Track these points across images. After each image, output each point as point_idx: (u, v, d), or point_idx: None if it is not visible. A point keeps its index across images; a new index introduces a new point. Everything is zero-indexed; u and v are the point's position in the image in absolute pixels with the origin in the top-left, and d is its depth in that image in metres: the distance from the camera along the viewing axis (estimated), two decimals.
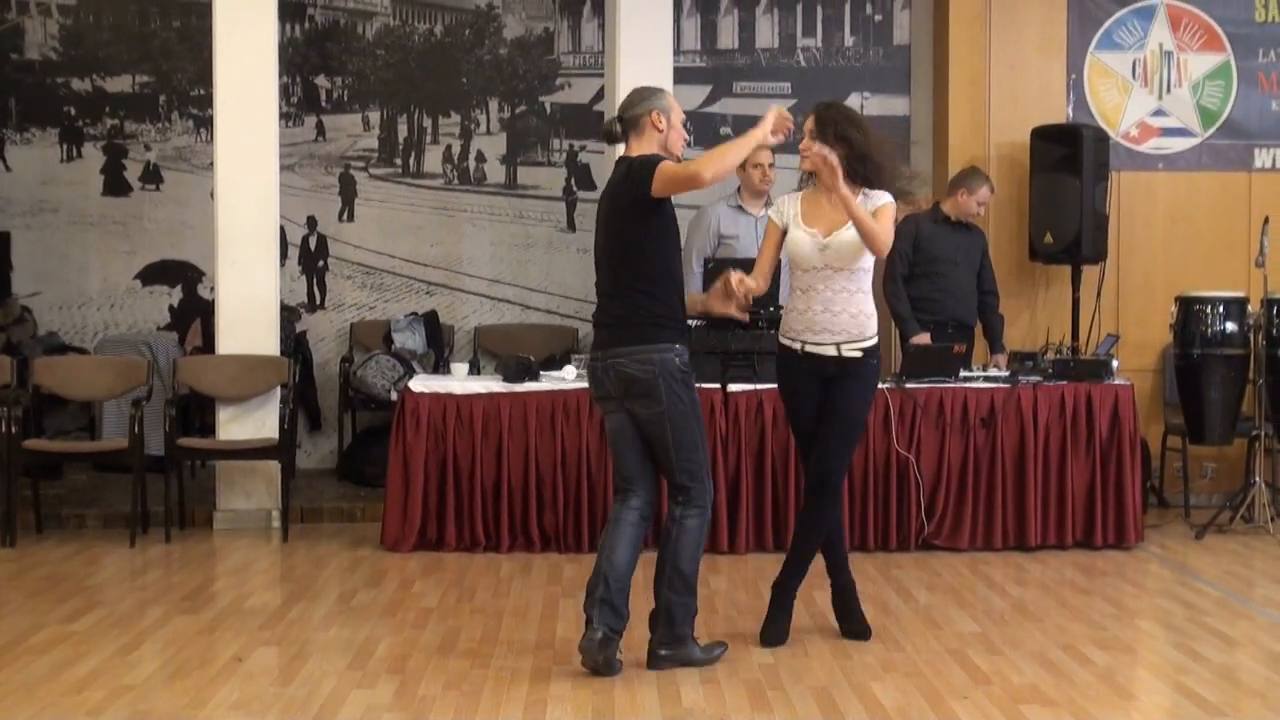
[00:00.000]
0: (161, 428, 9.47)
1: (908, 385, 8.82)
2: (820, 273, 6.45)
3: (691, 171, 6.06)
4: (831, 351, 6.46)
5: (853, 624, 6.75)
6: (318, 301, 11.46)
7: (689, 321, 6.59)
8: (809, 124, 6.49)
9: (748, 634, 6.75)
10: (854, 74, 11.51)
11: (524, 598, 7.54)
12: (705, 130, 11.40)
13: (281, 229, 10.01)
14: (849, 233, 6.37)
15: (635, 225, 6.22)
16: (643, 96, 6.35)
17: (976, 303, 9.74)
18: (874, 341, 6.54)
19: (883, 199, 6.45)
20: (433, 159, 11.56)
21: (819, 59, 11.53)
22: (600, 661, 6.08)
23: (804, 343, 6.49)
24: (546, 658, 6.36)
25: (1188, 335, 9.58)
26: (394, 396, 9.76)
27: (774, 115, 6.23)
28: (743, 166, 9.35)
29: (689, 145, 11.29)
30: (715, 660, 6.29)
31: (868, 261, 6.47)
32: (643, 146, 6.26)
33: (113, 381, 9.67)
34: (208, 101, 10.50)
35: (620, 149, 6.41)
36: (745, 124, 11.19)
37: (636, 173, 6.16)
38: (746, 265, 8.94)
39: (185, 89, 11.51)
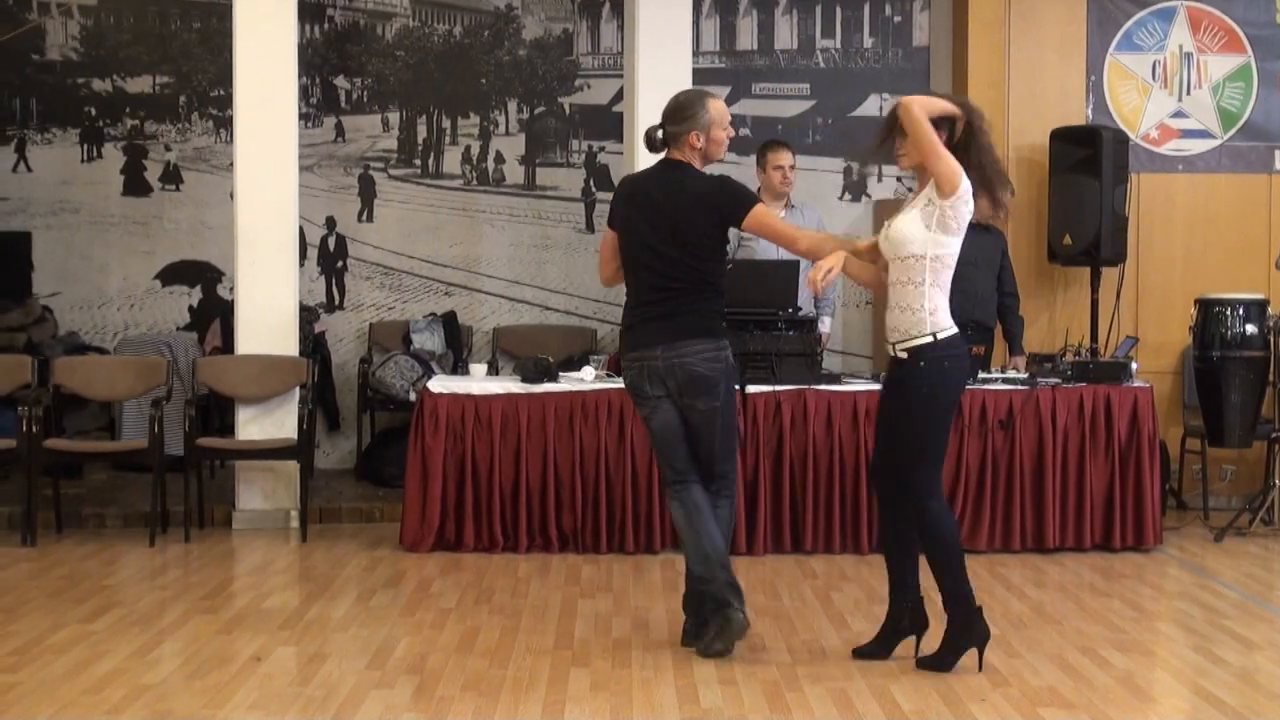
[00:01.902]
0: (181, 428, 9.50)
1: None
2: (890, 266, 6.15)
3: (790, 236, 6.53)
4: (891, 352, 6.19)
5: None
6: (337, 302, 11.48)
7: None
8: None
9: (765, 636, 6.75)
10: (873, 75, 11.52)
11: (542, 598, 7.54)
12: None
13: (301, 230, 10.05)
14: (900, 217, 6.13)
15: (712, 236, 6.45)
16: (685, 115, 6.51)
17: (996, 305, 9.73)
18: (925, 341, 6.05)
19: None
20: (452, 160, 11.58)
21: (838, 60, 11.54)
22: (741, 638, 6.41)
23: (887, 344, 6.26)
24: (565, 658, 6.35)
25: (1207, 337, 9.56)
26: (412, 397, 9.77)
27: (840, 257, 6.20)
28: (764, 168, 9.42)
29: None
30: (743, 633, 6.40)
31: (918, 247, 6.01)
32: (683, 155, 6.52)
33: (133, 381, 9.68)
34: (227, 102, 10.57)
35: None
36: (764, 125, 11.33)
37: (736, 197, 6.45)
38: (766, 266, 9.01)
39: (205, 90, 11.54)
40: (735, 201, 6.43)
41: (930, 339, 6.03)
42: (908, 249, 6.04)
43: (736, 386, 6.66)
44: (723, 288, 6.51)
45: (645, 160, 9.72)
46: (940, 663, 6.16)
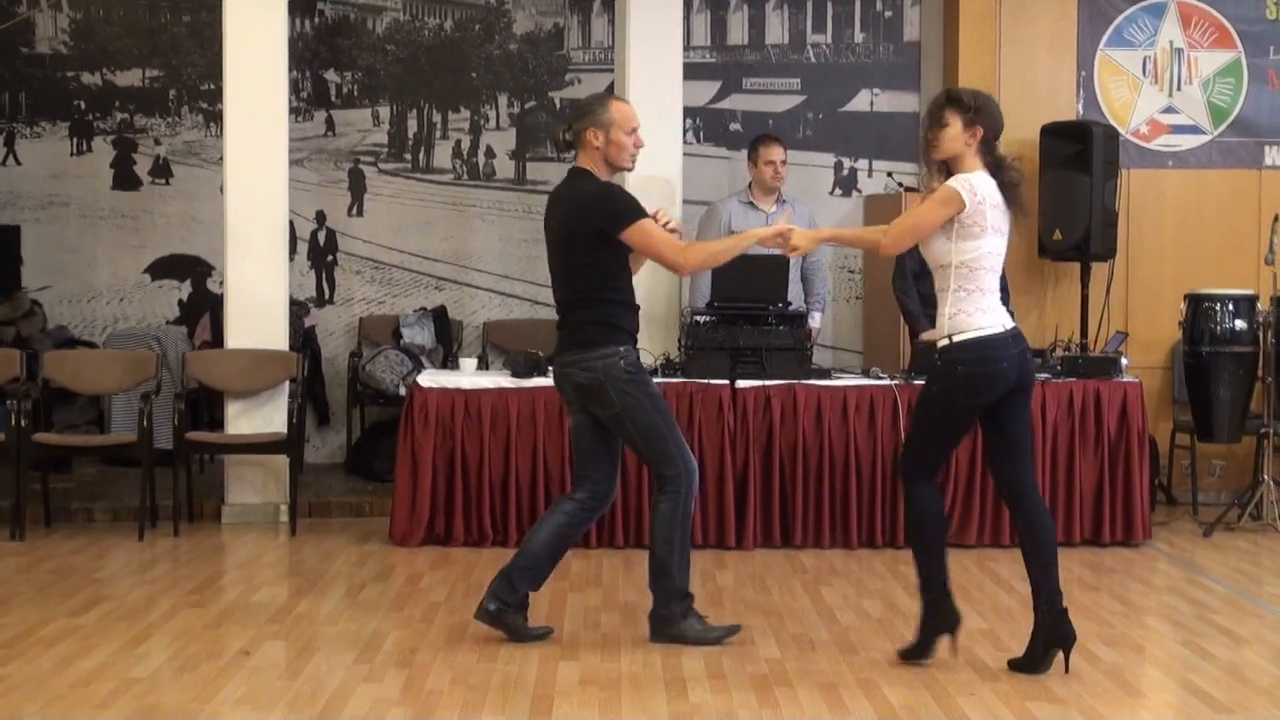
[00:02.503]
0: (170, 422, 9.47)
1: (916, 382, 8.73)
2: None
3: (674, 262, 6.47)
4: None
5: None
6: (327, 296, 11.48)
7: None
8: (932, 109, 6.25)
9: (754, 631, 6.75)
10: (864, 70, 11.53)
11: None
12: (714, 126, 11.45)
13: (291, 224, 10.05)
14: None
15: (587, 250, 6.44)
16: (584, 111, 6.54)
17: None
18: (943, 343, 6.09)
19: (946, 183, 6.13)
20: (442, 154, 11.58)
21: (829, 55, 11.53)
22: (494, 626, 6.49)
23: None
24: (553, 652, 6.35)
25: (1197, 333, 9.58)
26: (402, 391, 9.75)
27: (779, 229, 6.33)
28: (755, 163, 9.43)
29: (698, 140, 11.36)
30: (712, 641, 6.40)
31: (944, 257, 6.05)
32: (587, 159, 6.49)
33: (122, 375, 9.66)
34: (217, 96, 10.55)
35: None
36: (754, 120, 11.33)
37: (611, 210, 6.39)
38: (756, 261, 9.00)
39: (195, 83, 11.54)
40: (612, 214, 6.36)
41: (947, 341, 6.08)
42: (937, 260, 6.11)
43: (649, 389, 6.49)
44: (615, 297, 6.46)
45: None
46: (1036, 663, 6.14)
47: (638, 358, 6.55)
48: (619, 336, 6.46)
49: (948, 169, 6.14)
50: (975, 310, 6.06)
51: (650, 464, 6.56)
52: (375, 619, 6.95)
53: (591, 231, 6.37)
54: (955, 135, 6.07)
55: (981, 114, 6.10)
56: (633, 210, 6.39)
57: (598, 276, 6.45)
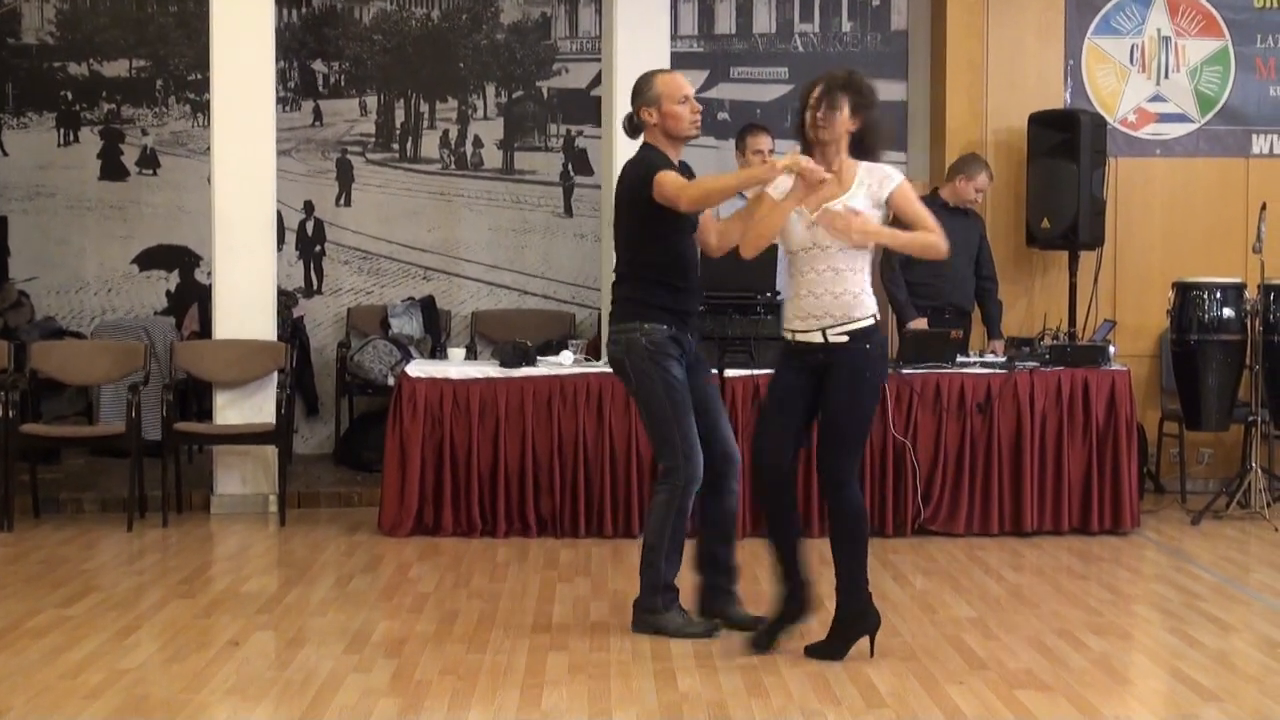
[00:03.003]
0: (159, 412, 9.48)
1: (904, 371, 8.85)
2: (809, 253, 6.05)
3: (672, 196, 6.27)
4: (818, 338, 6.04)
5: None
6: (315, 287, 11.47)
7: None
8: (818, 94, 6.14)
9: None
10: (851, 59, 11.38)
11: (520, 582, 7.55)
12: (702, 115, 11.29)
13: (279, 214, 10.06)
14: (838, 207, 6.02)
15: (629, 220, 6.52)
16: (635, 94, 6.58)
17: (974, 288, 9.78)
18: (866, 324, 6.03)
19: (893, 180, 6.08)
20: (430, 144, 11.56)
21: (816, 44, 11.51)
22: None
23: (794, 332, 6.14)
24: (543, 642, 6.36)
25: (1185, 321, 9.56)
26: (391, 381, 9.77)
27: (788, 163, 6.05)
28: (743, 152, 9.43)
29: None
30: (690, 635, 6.38)
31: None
32: (650, 136, 6.54)
33: (110, 366, 9.68)
34: (205, 86, 10.49)
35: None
36: (742, 109, 11.33)
37: (638, 171, 6.42)
38: None
39: (182, 74, 11.51)
40: (640, 176, 6.37)
41: (867, 321, 6.04)
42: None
43: (666, 374, 6.41)
44: (650, 274, 6.44)
45: (623, 144, 9.63)
46: (832, 650, 6.12)
47: (669, 338, 6.43)
48: (649, 313, 6.41)
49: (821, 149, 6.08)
50: (868, 289, 6.09)
51: (654, 450, 6.59)
52: (364, 609, 6.95)
53: (629, 197, 6.43)
54: (846, 120, 6.05)
55: (871, 106, 6.12)
56: (657, 165, 6.38)
57: (634, 250, 6.50)
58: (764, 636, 6.23)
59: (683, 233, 6.50)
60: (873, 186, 6.04)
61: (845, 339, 6.02)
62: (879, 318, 6.10)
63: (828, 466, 6.12)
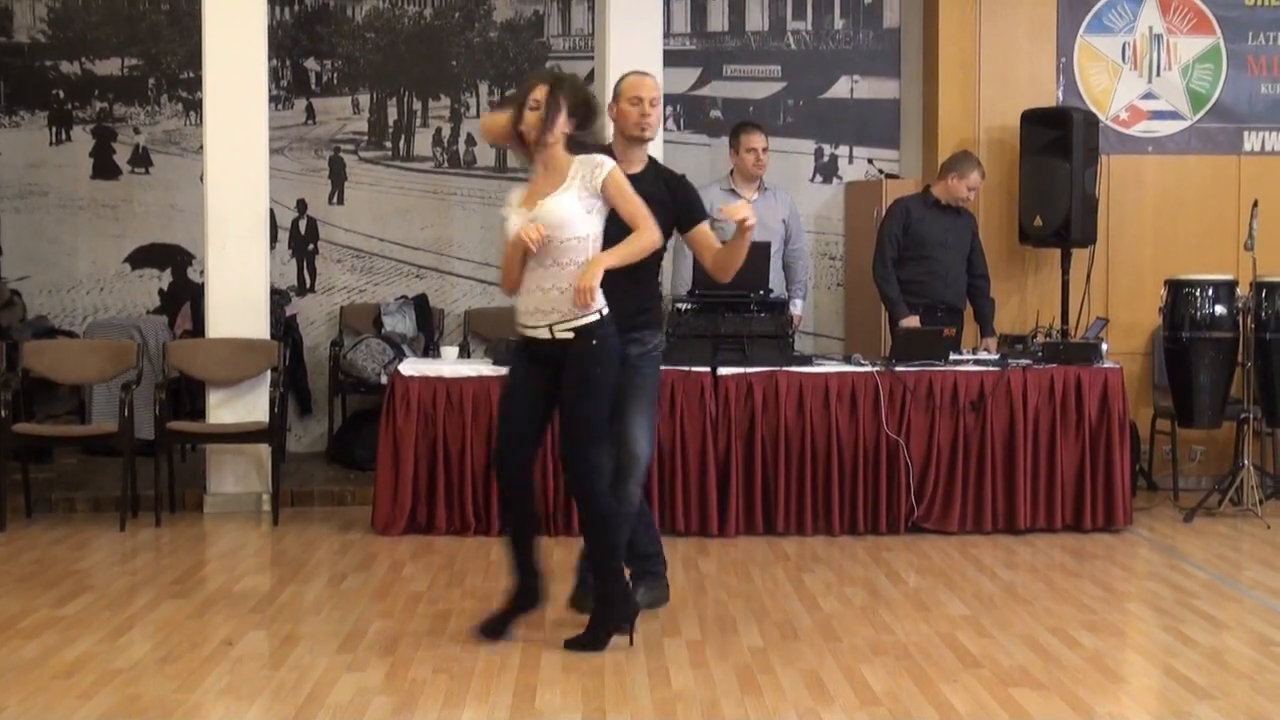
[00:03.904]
0: (151, 411, 9.45)
1: (897, 368, 8.87)
2: (541, 247, 6.07)
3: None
4: (545, 334, 6.10)
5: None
6: (308, 285, 11.46)
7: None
8: (540, 94, 6.16)
9: (737, 618, 6.79)
10: (844, 57, 11.53)
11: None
12: (695, 113, 11.46)
13: (271, 212, 10.05)
14: (552, 200, 6.06)
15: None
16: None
17: (966, 286, 9.78)
18: (591, 320, 6.07)
19: (605, 167, 6.08)
20: (422, 142, 11.56)
21: (809, 42, 11.53)
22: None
23: (524, 327, 6.17)
24: (537, 641, 6.36)
25: (1177, 318, 9.60)
26: (384, 380, 9.76)
27: (514, 242, 6.08)
28: (737, 150, 9.47)
29: (678, 128, 11.36)
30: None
31: (584, 228, 6.06)
32: (615, 137, 6.71)
33: (102, 365, 9.66)
34: (197, 85, 10.52)
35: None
36: (735, 107, 11.34)
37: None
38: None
39: (174, 72, 11.50)
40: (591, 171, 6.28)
41: (595, 316, 6.07)
42: (566, 232, 6.03)
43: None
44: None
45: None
46: (593, 641, 6.21)
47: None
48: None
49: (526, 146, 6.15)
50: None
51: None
52: (358, 608, 6.96)
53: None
54: (565, 122, 6.12)
55: (588, 109, 6.20)
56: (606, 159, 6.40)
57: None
58: (494, 624, 6.36)
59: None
60: (586, 177, 6.07)
61: (570, 335, 6.07)
62: (606, 313, 6.08)
63: (566, 459, 6.23)
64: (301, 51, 11.50)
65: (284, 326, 10.81)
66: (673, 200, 6.57)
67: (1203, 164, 10.76)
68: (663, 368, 8.45)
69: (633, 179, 6.32)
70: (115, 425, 9.29)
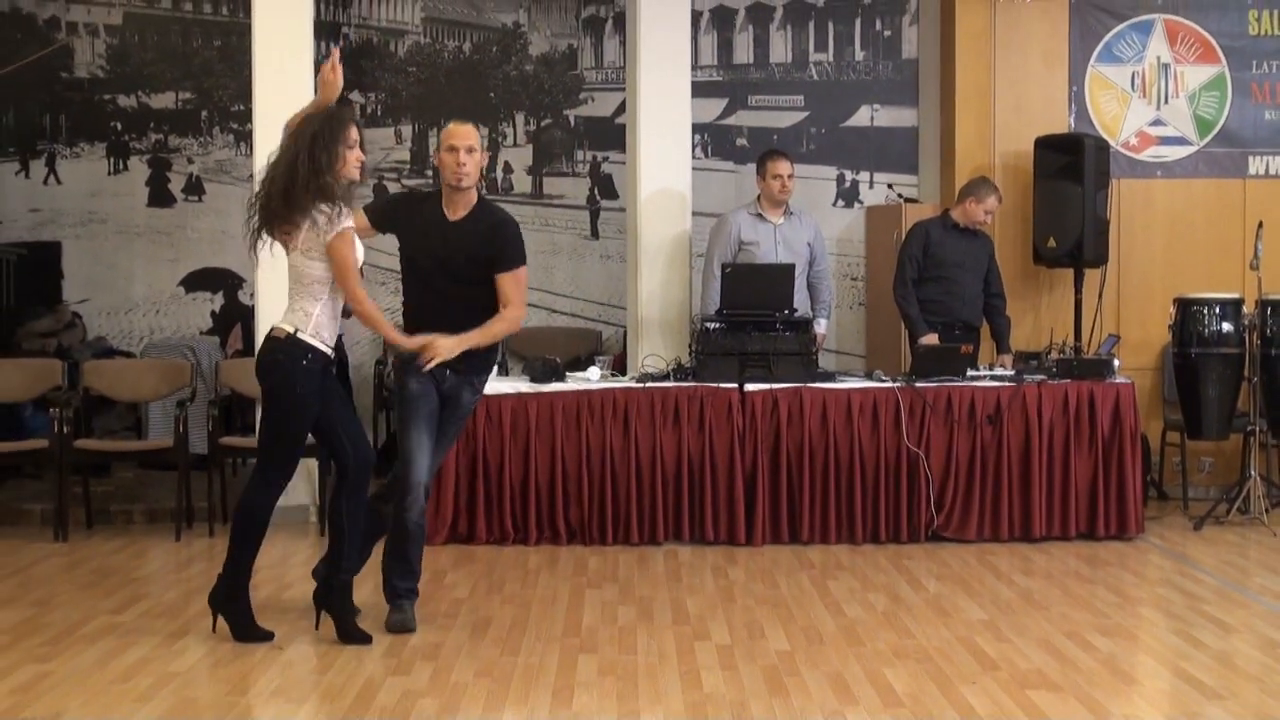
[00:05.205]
0: (204, 427, 9.51)
1: (917, 384, 8.94)
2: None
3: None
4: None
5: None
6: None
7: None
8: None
9: (765, 623, 6.88)
10: (864, 87, 11.58)
11: (551, 588, 7.64)
12: (722, 141, 11.51)
13: None
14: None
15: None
16: None
17: (983, 305, 9.79)
18: (281, 338, 6.39)
19: (343, 221, 6.42)
20: None
21: (830, 73, 11.59)
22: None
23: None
24: (573, 645, 6.44)
25: (1186, 335, 9.60)
26: None
27: (422, 341, 6.55)
28: (763, 176, 9.50)
29: (705, 155, 11.30)
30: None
31: (324, 273, 6.46)
32: None
33: (158, 383, 9.81)
34: (247, 117, 10.62)
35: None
36: (760, 135, 11.35)
37: None
38: (765, 270, 9.02)
39: (226, 105, 11.67)
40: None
41: (284, 336, 6.45)
42: (315, 277, 6.50)
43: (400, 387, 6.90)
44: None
45: (647, 170, 9.79)
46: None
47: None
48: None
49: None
50: (312, 311, 6.42)
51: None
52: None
53: None
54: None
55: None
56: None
57: None
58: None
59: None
60: (328, 228, 6.42)
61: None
62: (296, 332, 6.38)
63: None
64: (347, 85, 11.47)
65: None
66: (488, 245, 6.67)
67: (1209, 187, 10.78)
68: (694, 383, 8.49)
69: (452, 225, 6.58)
70: (170, 441, 9.39)
